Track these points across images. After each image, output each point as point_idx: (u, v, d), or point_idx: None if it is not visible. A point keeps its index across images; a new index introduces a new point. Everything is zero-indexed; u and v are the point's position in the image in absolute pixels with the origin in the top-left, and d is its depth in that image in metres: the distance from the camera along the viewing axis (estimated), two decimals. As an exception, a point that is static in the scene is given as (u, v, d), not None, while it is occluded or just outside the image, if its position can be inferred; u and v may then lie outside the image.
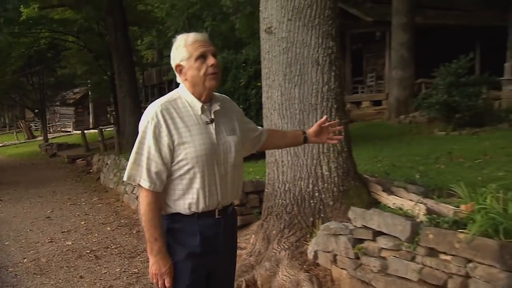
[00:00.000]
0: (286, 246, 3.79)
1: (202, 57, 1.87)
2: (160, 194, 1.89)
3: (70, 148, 19.68)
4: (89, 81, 25.61)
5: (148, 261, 1.93)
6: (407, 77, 12.16)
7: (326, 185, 3.93)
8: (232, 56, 8.27)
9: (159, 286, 1.90)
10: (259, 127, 2.27)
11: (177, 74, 1.97)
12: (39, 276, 4.66)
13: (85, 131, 19.87)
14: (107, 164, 11.20)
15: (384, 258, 3.12)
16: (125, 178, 1.89)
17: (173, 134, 1.84)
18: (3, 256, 5.37)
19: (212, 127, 1.92)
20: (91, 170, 12.91)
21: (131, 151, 1.88)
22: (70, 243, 5.79)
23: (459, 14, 16.40)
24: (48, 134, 26.49)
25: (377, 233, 3.20)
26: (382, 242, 3.14)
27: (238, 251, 2.81)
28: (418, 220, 3.08)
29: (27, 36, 18.54)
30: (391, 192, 3.87)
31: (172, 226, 1.93)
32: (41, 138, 25.36)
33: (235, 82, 7.77)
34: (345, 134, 3.93)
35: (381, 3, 14.27)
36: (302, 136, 2.27)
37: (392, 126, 11.04)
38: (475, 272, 2.57)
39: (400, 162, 6.03)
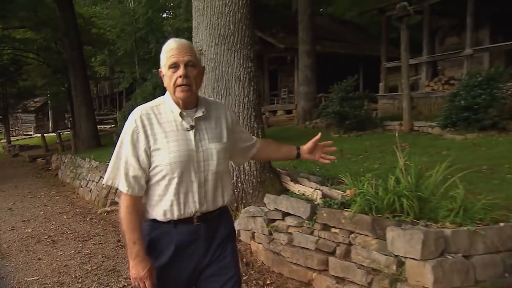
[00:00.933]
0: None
1: (174, 66, 1.54)
2: (141, 198, 1.57)
3: (31, 149, 18.00)
4: (48, 92, 23.66)
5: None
6: (311, 92, 12.49)
7: (247, 177, 3.94)
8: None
9: None
10: (254, 137, 1.91)
11: None
12: (0, 259, 4.23)
13: (45, 134, 18.27)
14: (64, 162, 10.38)
15: (290, 233, 3.18)
16: (104, 181, 1.60)
17: (150, 140, 1.52)
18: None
19: (191, 133, 1.56)
20: (50, 168, 11.88)
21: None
22: (29, 230, 5.32)
23: (348, 45, 17.36)
24: (11, 137, 24.15)
25: (286, 214, 3.26)
26: (289, 221, 3.20)
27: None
28: (316, 203, 3.16)
29: (-9, 52, 16.85)
30: (297, 182, 3.94)
31: (151, 235, 1.59)
32: (4, 140, 23.06)
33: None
34: (262, 136, 3.96)
35: (290, 33, 14.62)
36: (295, 151, 1.91)
37: (300, 130, 11.22)
38: (355, 240, 2.70)
39: (304, 157, 6.13)
